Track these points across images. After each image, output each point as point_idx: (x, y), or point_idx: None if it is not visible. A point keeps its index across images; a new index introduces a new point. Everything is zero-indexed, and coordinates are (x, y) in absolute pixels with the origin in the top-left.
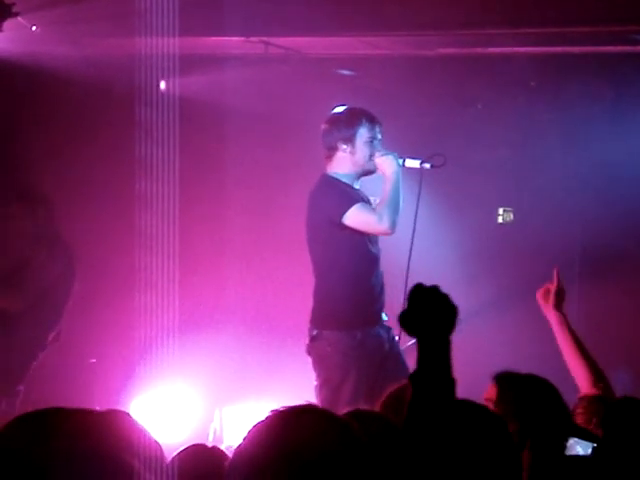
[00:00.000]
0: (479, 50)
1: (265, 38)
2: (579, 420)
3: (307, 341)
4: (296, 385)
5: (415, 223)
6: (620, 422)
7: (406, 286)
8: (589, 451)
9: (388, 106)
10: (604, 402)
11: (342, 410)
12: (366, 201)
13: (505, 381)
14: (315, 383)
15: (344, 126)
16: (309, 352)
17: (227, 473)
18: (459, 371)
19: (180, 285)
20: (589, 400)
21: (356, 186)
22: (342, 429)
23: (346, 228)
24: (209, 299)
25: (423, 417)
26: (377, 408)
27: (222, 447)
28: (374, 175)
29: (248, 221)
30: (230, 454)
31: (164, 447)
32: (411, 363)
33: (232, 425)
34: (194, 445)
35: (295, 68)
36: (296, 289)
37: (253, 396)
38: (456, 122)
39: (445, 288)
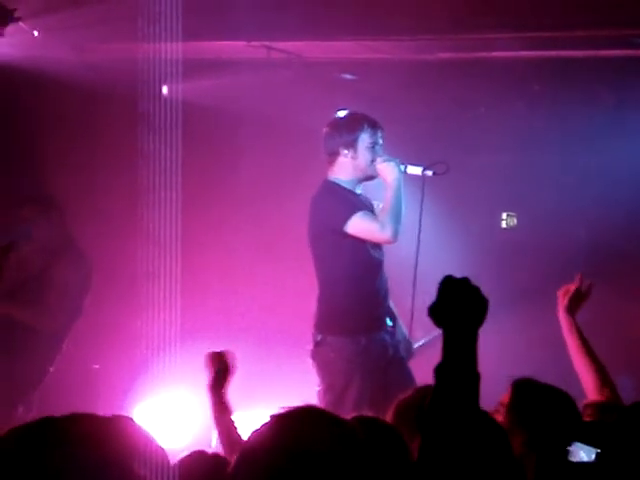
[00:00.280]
0: (480, 54)
1: (267, 43)
2: None
3: (311, 346)
4: (300, 392)
5: (419, 231)
6: (632, 428)
7: (414, 292)
8: (592, 457)
9: (389, 110)
10: (610, 409)
11: (346, 416)
12: (368, 207)
13: (522, 389)
14: (318, 388)
15: (346, 131)
16: (313, 357)
17: (231, 476)
18: None
19: (185, 291)
20: (595, 407)
21: (358, 191)
22: (342, 430)
23: (348, 236)
24: (214, 305)
25: (446, 410)
26: (387, 416)
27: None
28: (376, 180)
29: (251, 226)
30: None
31: (168, 453)
32: (420, 363)
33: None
34: (195, 451)
35: (297, 72)
36: (301, 295)
37: (257, 403)
38: (457, 127)
39: None
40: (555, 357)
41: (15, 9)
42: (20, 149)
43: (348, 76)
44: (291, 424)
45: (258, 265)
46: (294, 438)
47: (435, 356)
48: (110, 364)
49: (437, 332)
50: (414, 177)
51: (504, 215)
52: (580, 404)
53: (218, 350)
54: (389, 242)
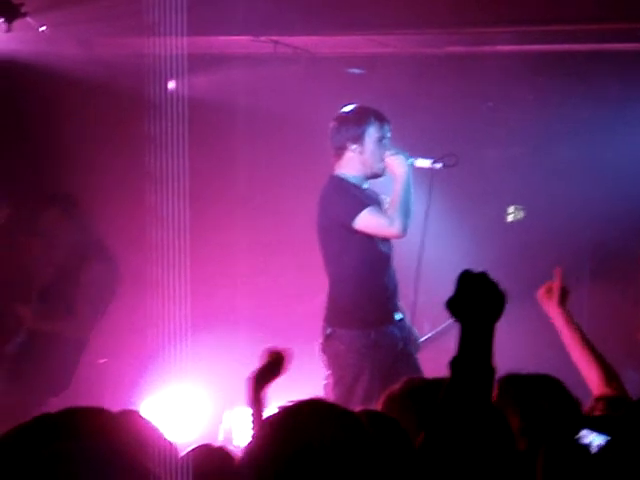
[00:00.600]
0: (488, 48)
1: (274, 37)
2: None
3: (321, 340)
4: (307, 386)
5: (426, 224)
6: None
7: (416, 285)
8: (603, 442)
9: (396, 104)
10: (620, 403)
11: (356, 408)
12: (376, 201)
13: (505, 383)
14: (326, 382)
15: (353, 125)
16: (323, 350)
17: (239, 469)
18: None
19: (192, 286)
20: (607, 401)
21: (365, 186)
22: (349, 422)
23: (357, 231)
24: (220, 300)
25: (461, 404)
26: (377, 407)
27: (231, 447)
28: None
29: (258, 221)
30: (239, 452)
31: (176, 447)
32: (427, 355)
33: (242, 426)
34: (202, 445)
35: (304, 67)
36: (308, 289)
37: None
38: (465, 120)
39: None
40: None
41: (22, 4)
42: (27, 144)
43: (355, 70)
44: (298, 417)
45: (264, 260)
46: (301, 431)
47: (442, 350)
48: (117, 358)
49: (442, 326)
50: (422, 170)
51: (510, 208)
52: (589, 400)
53: (279, 347)
54: (398, 237)
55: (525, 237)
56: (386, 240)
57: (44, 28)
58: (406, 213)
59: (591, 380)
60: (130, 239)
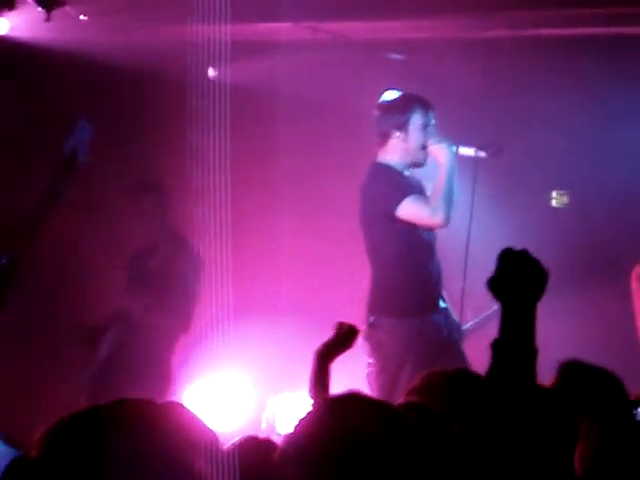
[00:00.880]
0: (530, 32)
1: (313, 24)
2: None
3: (364, 328)
4: (349, 373)
5: (471, 214)
6: None
7: (465, 273)
8: None
9: (438, 90)
10: None
11: (399, 398)
12: (418, 189)
13: (568, 370)
14: (368, 370)
15: (397, 112)
16: (366, 339)
17: (278, 462)
18: None
19: (234, 273)
20: None
21: (407, 173)
22: (390, 415)
23: (400, 219)
24: (263, 287)
25: (504, 385)
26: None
27: (275, 435)
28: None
29: (300, 209)
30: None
31: (220, 440)
32: (473, 342)
33: (285, 413)
34: (247, 437)
35: (344, 53)
36: (350, 277)
37: (306, 384)
38: (508, 106)
39: None
40: (606, 339)
41: None
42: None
43: (396, 56)
44: (337, 410)
45: (307, 247)
46: (340, 424)
47: (488, 337)
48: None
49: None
50: (465, 158)
51: (554, 193)
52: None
53: (349, 323)
54: (440, 227)
55: (571, 223)
56: (429, 228)
57: (83, 17)
58: (449, 202)
59: None
60: (174, 225)
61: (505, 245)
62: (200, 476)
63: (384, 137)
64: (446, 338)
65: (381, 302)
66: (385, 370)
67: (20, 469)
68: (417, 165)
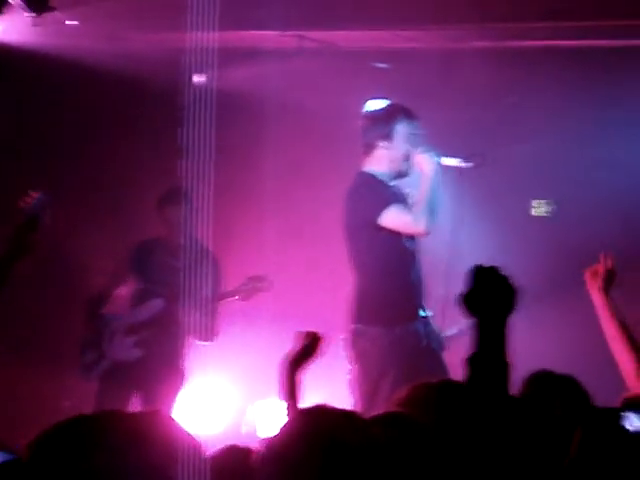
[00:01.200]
0: (514, 43)
1: (300, 32)
2: None
3: (345, 336)
4: (331, 381)
5: (454, 220)
6: None
7: (446, 280)
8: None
9: (422, 99)
10: None
11: (380, 406)
12: (402, 198)
13: (535, 380)
14: (349, 377)
15: (381, 122)
16: (347, 347)
17: (257, 468)
18: None
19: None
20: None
21: (392, 183)
22: (357, 424)
23: (383, 228)
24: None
25: (478, 400)
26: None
27: (255, 440)
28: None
29: (283, 215)
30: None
31: (199, 439)
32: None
33: (265, 419)
34: (227, 446)
35: (330, 62)
36: (332, 285)
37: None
38: (491, 115)
39: None
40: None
41: None
42: (58, 138)
43: (381, 65)
44: (309, 420)
45: (289, 254)
46: (313, 432)
47: (467, 346)
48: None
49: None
50: (448, 167)
51: (534, 203)
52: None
53: (314, 330)
54: (422, 234)
55: (553, 232)
56: (412, 237)
57: (73, 22)
58: (432, 211)
59: (623, 367)
60: (161, 238)
61: (486, 254)
62: None
63: (369, 147)
64: (425, 347)
65: (363, 310)
66: (367, 378)
67: (8, 472)
68: (402, 174)
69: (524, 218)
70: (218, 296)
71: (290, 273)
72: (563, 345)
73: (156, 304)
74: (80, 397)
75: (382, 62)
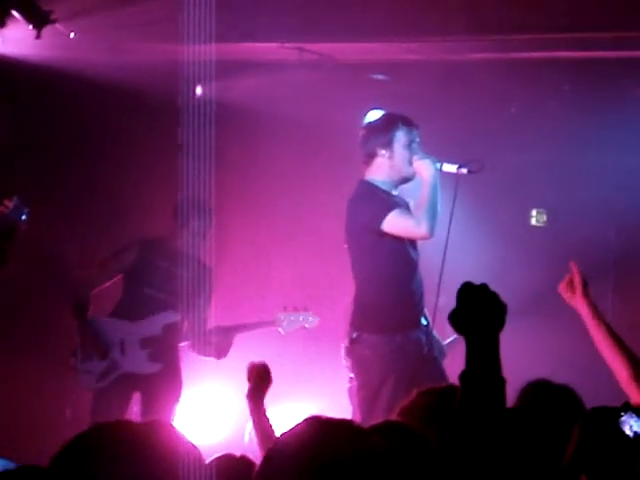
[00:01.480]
0: (512, 55)
1: (300, 44)
2: None
3: (346, 343)
4: (331, 387)
5: (449, 228)
6: None
7: (439, 288)
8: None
9: (421, 111)
10: None
11: (379, 414)
12: (404, 206)
13: (531, 389)
14: (349, 385)
15: (381, 131)
16: (348, 354)
17: (259, 472)
18: None
19: (218, 287)
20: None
21: (394, 192)
22: (367, 446)
23: (386, 234)
24: (246, 301)
25: (474, 417)
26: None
27: (257, 448)
28: (412, 180)
29: (283, 226)
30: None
31: (201, 448)
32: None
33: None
34: (223, 455)
35: (329, 73)
36: (332, 292)
37: (289, 398)
38: (489, 126)
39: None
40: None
41: (51, 11)
42: (57, 149)
43: (379, 77)
44: (311, 433)
45: (291, 264)
46: (313, 447)
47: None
48: None
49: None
50: (446, 175)
51: (534, 212)
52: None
53: (258, 362)
54: (425, 238)
55: (549, 241)
56: (414, 246)
57: (73, 35)
58: (433, 215)
59: (617, 371)
60: (160, 240)
61: (484, 261)
62: None
63: (370, 156)
64: (426, 354)
65: (364, 318)
66: (367, 385)
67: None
68: (404, 180)
69: (521, 226)
70: (245, 326)
71: (292, 281)
72: (558, 354)
73: (169, 316)
74: (76, 403)
75: (381, 74)
